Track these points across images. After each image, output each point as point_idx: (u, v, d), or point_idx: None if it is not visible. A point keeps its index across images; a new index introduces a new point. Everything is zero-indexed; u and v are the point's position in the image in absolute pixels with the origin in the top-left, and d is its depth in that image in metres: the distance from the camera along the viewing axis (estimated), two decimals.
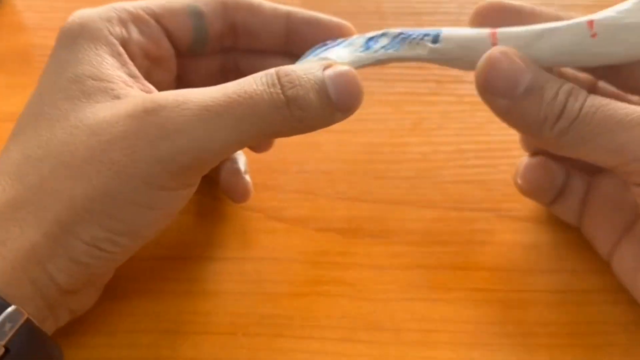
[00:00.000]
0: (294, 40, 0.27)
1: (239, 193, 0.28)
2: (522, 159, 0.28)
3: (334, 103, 0.22)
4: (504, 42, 0.23)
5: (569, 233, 0.28)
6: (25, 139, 0.22)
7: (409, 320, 0.25)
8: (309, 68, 0.22)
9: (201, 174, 0.23)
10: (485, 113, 0.33)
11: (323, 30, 0.26)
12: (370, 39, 0.25)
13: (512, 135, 0.30)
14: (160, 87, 0.24)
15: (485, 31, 0.24)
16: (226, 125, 0.21)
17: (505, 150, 0.31)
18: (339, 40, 0.26)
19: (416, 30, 0.25)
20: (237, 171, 0.28)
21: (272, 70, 0.22)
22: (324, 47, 0.26)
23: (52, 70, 0.23)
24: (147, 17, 0.25)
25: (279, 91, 0.21)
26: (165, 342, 0.25)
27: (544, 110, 0.22)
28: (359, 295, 0.26)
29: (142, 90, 0.23)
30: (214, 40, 0.27)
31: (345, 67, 0.22)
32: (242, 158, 0.29)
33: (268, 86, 0.21)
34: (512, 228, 0.29)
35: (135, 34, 0.25)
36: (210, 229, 0.29)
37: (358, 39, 0.25)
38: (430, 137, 0.33)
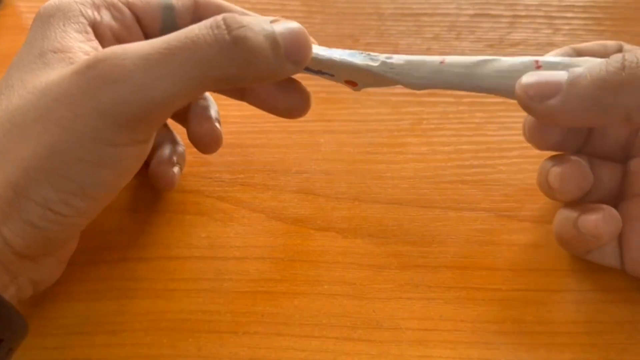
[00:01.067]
0: None
1: (210, 140, 0.28)
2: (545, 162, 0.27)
3: (283, 51, 0.22)
4: (451, 62, 0.25)
5: None
6: None
7: (408, 319, 0.26)
8: (256, 18, 0.22)
9: (151, 128, 0.23)
10: (484, 114, 0.33)
11: None
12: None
13: (511, 136, 0.30)
14: None
15: (436, 58, 0.25)
16: (168, 73, 0.20)
17: (504, 151, 0.32)
18: None
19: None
20: (207, 118, 0.28)
21: (218, 16, 0.21)
22: None
23: (23, 49, 0.24)
24: (119, 4, 0.26)
25: (224, 32, 0.21)
26: (166, 341, 0.25)
27: (599, 81, 0.21)
28: (359, 294, 0.26)
29: None
30: None
31: (293, 23, 0.22)
32: (214, 106, 0.29)
33: (212, 29, 0.21)
34: (511, 228, 0.29)
35: (107, 17, 0.25)
36: (210, 229, 0.29)
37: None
38: (429, 137, 0.33)
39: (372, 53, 0.26)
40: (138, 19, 0.26)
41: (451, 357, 0.24)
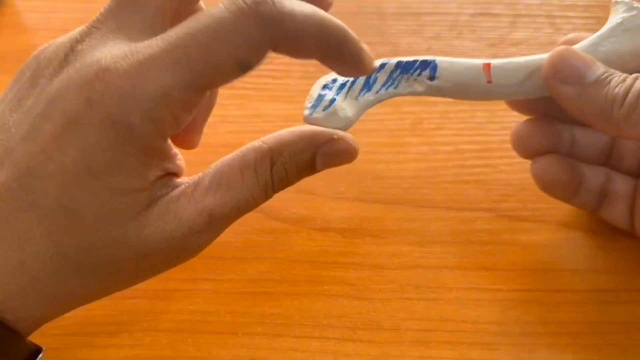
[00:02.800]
0: None
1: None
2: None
3: (318, 170, 0.24)
4: (499, 78, 0.24)
5: (569, 233, 0.28)
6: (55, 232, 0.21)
7: (409, 320, 0.26)
8: (302, 149, 0.24)
9: None
10: (484, 113, 0.33)
11: None
12: (369, 76, 0.25)
13: None
14: None
15: (478, 64, 0.25)
16: (233, 222, 0.24)
17: (505, 150, 0.31)
18: (341, 80, 0.25)
19: (412, 59, 0.25)
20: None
21: (267, 171, 0.23)
22: (328, 89, 0.25)
23: (77, 156, 0.20)
24: (197, 97, 0.21)
25: (270, 189, 0.24)
26: (165, 342, 0.25)
27: (612, 92, 0.23)
28: (359, 294, 0.26)
29: (165, 176, 0.23)
30: None
31: (346, 144, 0.24)
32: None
33: (264, 190, 0.24)
34: (512, 228, 0.29)
35: (184, 121, 0.22)
36: None
37: (358, 80, 0.25)
38: (430, 137, 0.33)
39: (401, 60, 0.25)
40: None
41: (452, 358, 0.24)
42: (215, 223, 0.23)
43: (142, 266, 0.22)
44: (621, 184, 0.27)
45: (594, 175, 0.27)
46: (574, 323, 0.25)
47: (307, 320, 0.26)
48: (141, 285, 0.26)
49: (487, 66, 0.24)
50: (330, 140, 0.24)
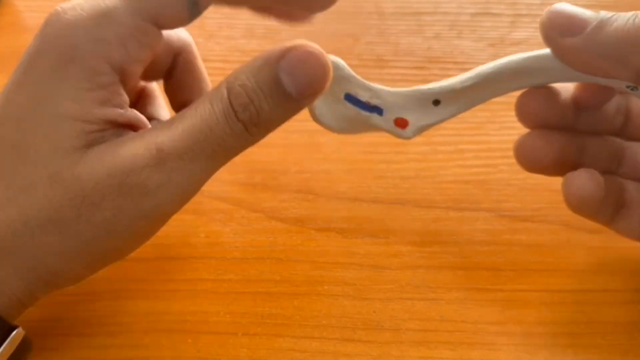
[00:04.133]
0: None
1: None
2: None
3: (295, 97, 0.21)
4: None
5: (569, 233, 0.28)
6: (4, 173, 0.21)
7: (409, 320, 0.25)
8: (259, 67, 0.21)
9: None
10: (485, 113, 0.33)
11: None
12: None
13: (512, 135, 0.30)
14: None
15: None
16: (202, 166, 0.21)
17: (505, 150, 0.31)
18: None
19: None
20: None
21: (224, 93, 0.21)
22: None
23: (32, 95, 0.21)
24: (144, 25, 0.22)
25: (234, 119, 0.21)
26: (165, 342, 0.25)
27: (624, 29, 0.21)
28: (359, 295, 0.26)
29: (120, 125, 0.22)
30: None
31: (305, 48, 0.21)
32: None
33: (225, 116, 0.21)
34: (512, 228, 0.29)
35: (133, 51, 0.22)
36: (210, 229, 0.29)
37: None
38: (430, 137, 0.32)
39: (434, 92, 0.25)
40: (163, 27, 0.24)
41: (452, 358, 0.24)
42: (166, 159, 0.21)
43: (86, 214, 0.21)
44: (637, 193, 0.25)
45: (609, 184, 0.25)
46: (574, 323, 0.25)
47: (307, 320, 0.26)
48: (141, 286, 0.27)
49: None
50: (286, 51, 0.21)
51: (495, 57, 0.25)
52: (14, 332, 0.22)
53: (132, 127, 0.22)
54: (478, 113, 0.33)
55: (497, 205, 0.29)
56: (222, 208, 0.30)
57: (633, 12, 0.21)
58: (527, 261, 0.27)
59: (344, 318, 0.26)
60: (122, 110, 0.22)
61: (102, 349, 0.25)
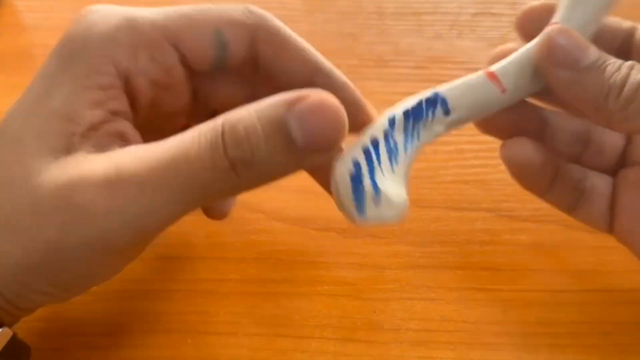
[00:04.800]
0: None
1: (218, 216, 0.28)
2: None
3: (300, 146, 0.18)
4: (510, 84, 0.22)
5: (569, 233, 0.28)
6: None
7: (409, 320, 0.25)
8: (267, 107, 0.18)
9: (145, 245, 0.21)
10: None
11: (345, 101, 0.19)
12: (387, 139, 0.21)
13: None
14: (172, 111, 0.24)
15: (482, 77, 0.22)
16: (163, 200, 0.18)
17: None
18: (361, 163, 0.20)
19: (416, 103, 0.22)
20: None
21: (218, 123, 0.18)
22: (356, 180, 0.20)
23: (35, 85, 0.21)
24: (162, 41, 0.22)
25: (221, 154, 0.18)
26: (165, 343, 0.25)
27: (608, 81, 0.21)
28: (359, 295, 0.26)
29: (107, 133, 0.21)
30: (234, 68, 0.24)
31: (321, 97, 0.18)
32: None
33: (210, 149, 0.18)
34: (512, 228, 0.29)
35: (144, 62, 0.22)
36: (210, 229, 0.29)
37: (379, 153, 0.21)
38: None
39: (407, 108, 0.22)
40: (182, 57, 0.23)
41: (452, 358, 0.24)
42: (121, 184, 0.18)
43: (36, 226, 0.19)
44: (599, 182, 0.26)
45: (571, 169, 0.26)
46: (574, 323, 0.25)
47: (307, 320, 0.26)
48: (141, 286, 0.27)
49: (492, 75, 0.23)
50: (299, 98, 0.18)
51: None
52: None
53: (125, 141, 0.21)
54: None
55: (497, 205, 0.29)
56: None
57: (619, 62, 0.22)
58: (527, 261, 0.27)
59: (344, 318, 0.26)
60: (113, 118, 0.21)
61: (101, 350, 0.25)
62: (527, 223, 0.29)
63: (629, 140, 0.26)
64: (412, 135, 0.22)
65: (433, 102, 0.22)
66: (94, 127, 0.20)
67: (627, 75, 0.21)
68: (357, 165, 0.20)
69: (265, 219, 0.29)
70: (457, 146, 0.32)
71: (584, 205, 0.26)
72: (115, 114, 0.21)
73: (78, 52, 0.21)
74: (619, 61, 0.22)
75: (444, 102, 0.22)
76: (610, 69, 0.22)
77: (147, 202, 0.18)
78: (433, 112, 0.22)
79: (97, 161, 0.19)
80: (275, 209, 0.29)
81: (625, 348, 0.25)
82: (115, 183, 0.18)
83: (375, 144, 0.21)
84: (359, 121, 0.23)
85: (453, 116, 0.22)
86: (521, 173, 0.25)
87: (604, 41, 0.23)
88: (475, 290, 0.26)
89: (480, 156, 0.31)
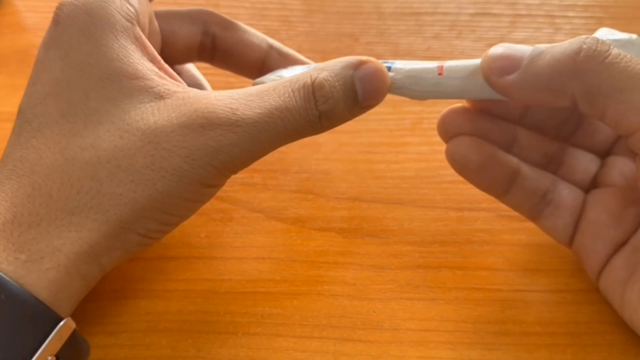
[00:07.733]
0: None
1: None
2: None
3: (359, 103, 0.23)
4: (449, 72, 0.24)
5: None
6: (59, 139, 0.22)
7: (409, 320, 0.26)
8: (341, 69, 0.23)
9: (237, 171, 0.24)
10: None
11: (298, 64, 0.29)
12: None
13: None
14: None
15: (433, 64, 0.25)
16: (269, 138, 0.22)
17: None
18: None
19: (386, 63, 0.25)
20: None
21: (308, 82, 0.23)
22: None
23: (69, 66, 0.23)
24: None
25: (314, 107, 0.23)
26: (165, 342, 0.25)
27: (554, 61, 0.21)
28: (359, 294, 0.26)
29: (172, 79, 0.23)
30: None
31: (376, 64, 0.23)
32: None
33: (305, 101, 0.22)
34: (512, 228, 0.29)
35: (137, 3, 0.24)
36: (210, 229, 0.29)
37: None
38: (430, 137, 0.33)
39: None
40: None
41: (452, 358, 0.24)
42: (240, 123, 0.22)
43: (159, 162, 0.21)
44: (568, 195, 0.26)
45: (536, 178, 0.26)
46: (574, 323, 0.25)
47: (306, 320, 0.26)
48: (141, 285, 0.27)
49: (441, 66, 0.24)
50: (361, 62, 0.23)
51: None
52: (62, 323, 0.21)
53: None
54: None
55: (497, 205, 0.29)
56: (222, 208, 0.30)
57: (569, 41, 0.22)
58: (526, 261, 0.27)
59: (343, 318, 0.26)
60: (166, 65, 0.24)
61: (101, 349, 0.25)
62: (527, 223, 0.29)
63: (602, 163, 0.26)
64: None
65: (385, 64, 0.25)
66: (159, 76, 0.23)
67: (580, 44, 0.21)
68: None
69: (265, 219, 0.29)
70: None
71: (550, 216, 0.26)
72: (156, 59, 0.24)
73: (94, 22, 0.23)
74: (561, 43, 0.22)
75: (389, 67, 0.25)
76: (555, 48, 0.22)
77: (259, 139, 0.22)
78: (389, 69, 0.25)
79: (212, 106, 0.22)
80: (275, 209, 0.29)
81: (624, 348, 0.25)
82: (236, 122, 0.22)
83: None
84: None
85: (390, 74, 0.25)
86: (462, 170, 0.26)
87: None
88: (475, 290, 0.26)
89: None
